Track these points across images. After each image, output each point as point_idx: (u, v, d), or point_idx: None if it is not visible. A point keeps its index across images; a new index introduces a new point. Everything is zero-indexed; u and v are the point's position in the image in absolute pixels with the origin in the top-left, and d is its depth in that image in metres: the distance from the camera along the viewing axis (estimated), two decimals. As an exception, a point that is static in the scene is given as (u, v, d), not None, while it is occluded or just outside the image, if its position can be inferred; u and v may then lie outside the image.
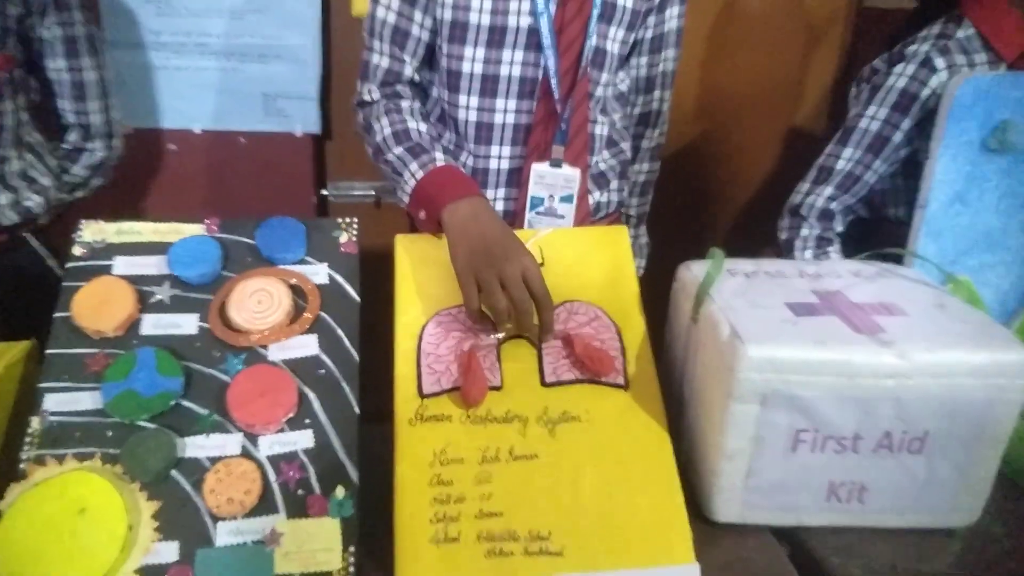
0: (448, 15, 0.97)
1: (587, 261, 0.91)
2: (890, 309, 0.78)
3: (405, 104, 1.02)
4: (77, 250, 0.85)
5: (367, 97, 1.04)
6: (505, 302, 0.80)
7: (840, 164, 1.18)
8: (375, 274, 0.95)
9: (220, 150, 1.49)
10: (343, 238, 0.90)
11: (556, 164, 1.00)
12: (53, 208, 1.18)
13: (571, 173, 1.00)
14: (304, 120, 1.48)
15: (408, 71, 1.03)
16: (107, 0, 1.36)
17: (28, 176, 1.13)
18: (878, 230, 1.25)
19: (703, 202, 1.85)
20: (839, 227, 1.21)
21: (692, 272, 0.87)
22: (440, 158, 0.95)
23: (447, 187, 0.91)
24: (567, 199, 1.01)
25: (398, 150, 0.97)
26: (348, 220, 0.92)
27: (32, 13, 1.09)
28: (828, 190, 1.19)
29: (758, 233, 1.86)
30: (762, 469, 0.74)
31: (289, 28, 1.41)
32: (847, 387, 0.70)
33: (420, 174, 0.94)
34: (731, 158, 1.80)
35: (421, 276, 0.90)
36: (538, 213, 1.02)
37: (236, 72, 1.43)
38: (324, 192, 1.59)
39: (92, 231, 0.87)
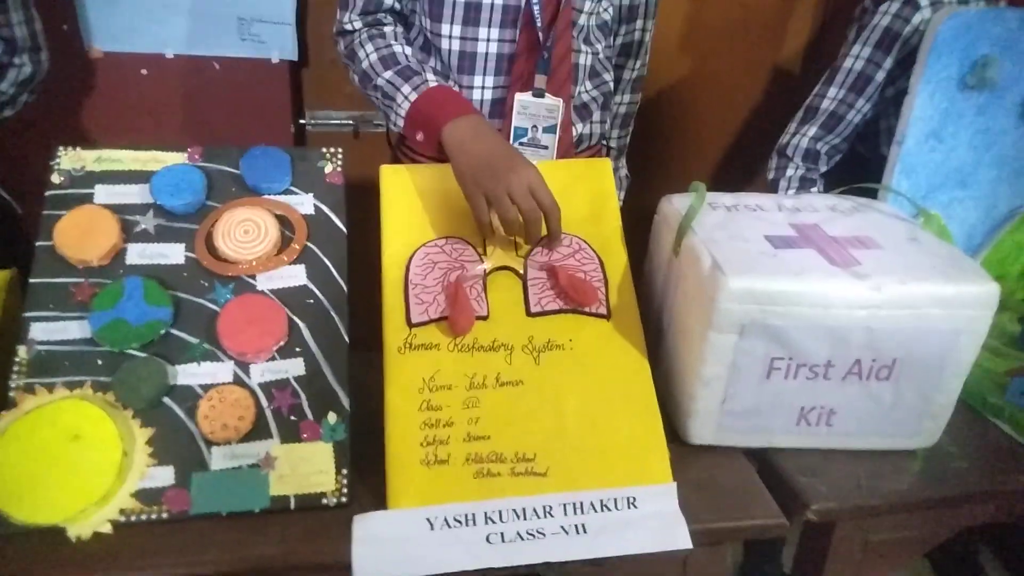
0: None
1: (571, 193, 0.92)
2: (865, 243, 0.81)
3: (388, 30, 1.00)
4: (56, 178, 0.84)
5: (348, 26, 1.02)
6: (515, 212, 0.81)
7: (824, 104, 1.19)
8: (354, 204, 0.95)
9: (193, 76, 1.45)
10: (328, 168, 0.90)
11: (539, 94, 1.00)
12: None
13: (553, 103, 1.00)
14: (280, 46, 1.44)
15: (390, 29, 1.01)
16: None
17: None
18: (872, 168, 1.27)
19: (683, 135, 1.85)
20: (823, 167, 1.22)
21: (674, 205, 0.88)
22: (432, 79, 0.95)
23: (444, 106, 0.90)
24: (550, 130, 1.01)
25: (387, 74, 0.96)
26: (333, 150, 0.91)
27: None
28: (812, 130, 1.20)
29: (738, 166, 1.88)
30: (737, 395, 0.77)
31: (263, -52, 1.36)
32: (822, 317, 0.73)
33: (414, 96, 0.94)
34: (713, 91, 1.80)
35: (406, 207, 0.90)
36: (521, 144, 1.02)
37: (209, -6, 1.38)
38: (302, 121, 1.56)
39: (71, 159, 0.85)
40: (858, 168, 1.27)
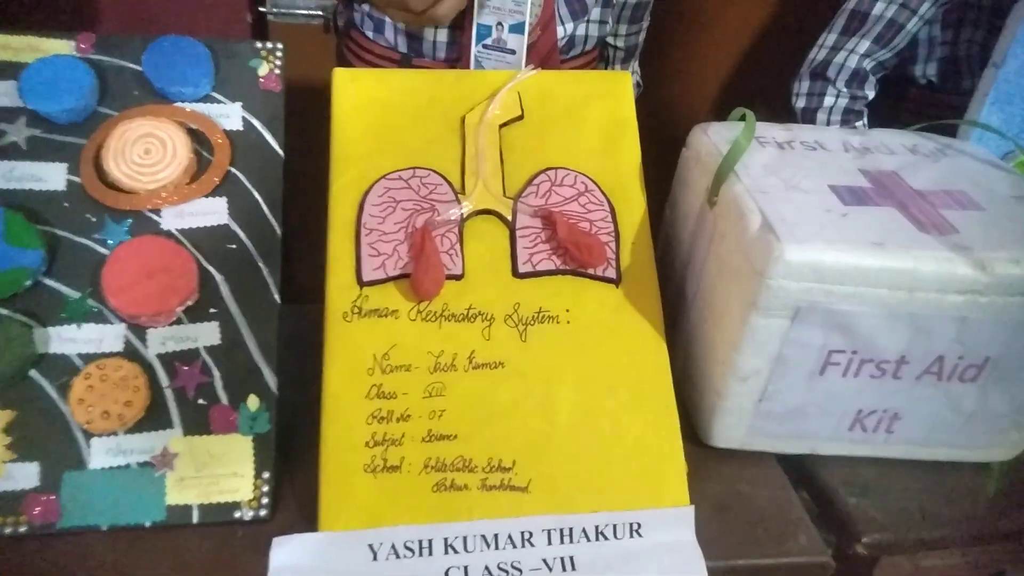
0: None
1: (578, 116, 0.72)
2: (960, 201, 0.62)
3: None
4: None
5: None
6: None
7: (879, 7, 0.94)
8: (313, 117, 0.74)
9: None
10: (263, 69, 0.69)
11: None
12: None
13: None
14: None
15: None
16: None
17: None
18: (894, 94, 1.05)
19: (705, 40, 1.59)
20: (870, 93, 1.00)
21: (710, 137, 0.68)
22: None
23: None
24: (517, 28, 0.78)
25: None
26: (270, 46, 0.70)
27: None
28: (863, 44, 0.96)
29: (768, 82, 1.63)
30: (779, 393, 0.60)
31: None
32: (904, 303, 0.55)
33: None
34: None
35: (364, 124, 0.70)
36: (485, 47, 0.79)
37: None
38: (261, 8, 1.32)
39: (-86, 43, 0.64)
40: (890, 91, 1.05)
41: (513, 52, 0.79)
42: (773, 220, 0.56)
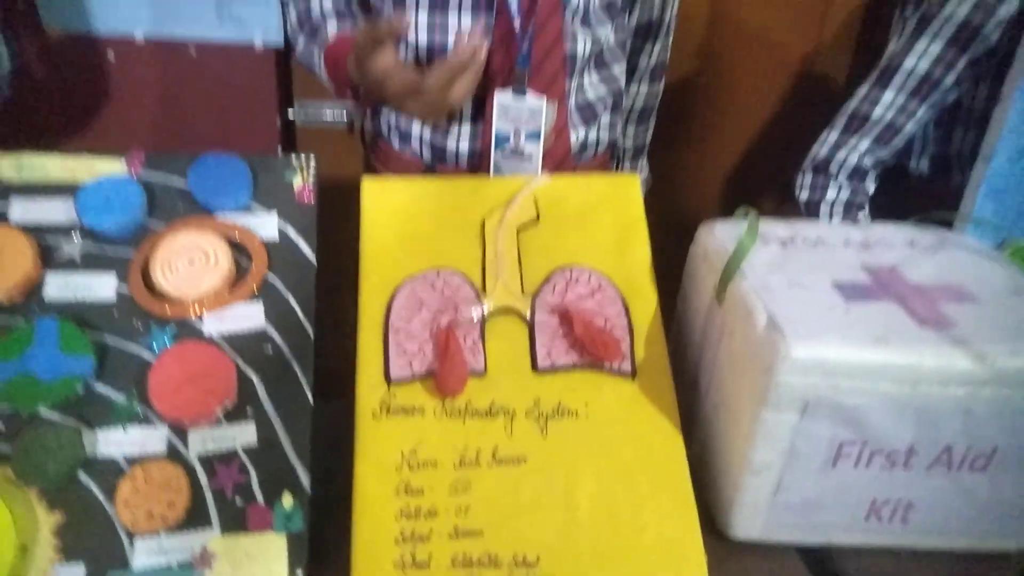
0: None
1: (591, 217, 0.76)
2: (958, 294, 0.65)
3: None
4: (-37, 190, 0.69)
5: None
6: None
7: (878, 111, 0.99)
8: (343, 212, 0.79)
9: (167, 62, 1.29)
10: (297, 182, 0.74)
11: (520, 92, 0.83)
12: None
13: (536, 103, 0.82)
14: (264, 28, 1.27)
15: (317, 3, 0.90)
16: None
17: None
18: (892, 185, 1.09)
19: (709, 140, 1.67)
20: (870, 188, 1.04)
21: (716, 237, 0.72)
22: (331, 31, 0.86)
23: (342, 59, 0.82)
24: (534, 136, 0.84)
25: (302, 42, 0.90)
26: (304, 157, 0.75)
27: None
28: (863, 143, 1.01)
29: (772, 173, 1.70)
30: (793, 485, 0.62)
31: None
32: (908, 396, 0.57)
33: (320, 57, 0.86)
34: (743, 88, 1.62)
35: (391, 231, 0.75)
36: (503, 153, 0.85)
37: (183, -32, 1.22)
38: (290, 114, 1.41)
39: (-17, 166, 0.70)
40: (888, 182, 1.10)
41: (530, 158, 0.84)
42: (778, 318, 0.59)
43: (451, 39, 0.83)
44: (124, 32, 1.26)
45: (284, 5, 0.93)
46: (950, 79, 0.96)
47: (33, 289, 0.65)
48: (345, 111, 1.40)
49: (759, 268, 0.67)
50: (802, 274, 0.66)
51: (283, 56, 1.34)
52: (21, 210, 0.68)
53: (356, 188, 0.77)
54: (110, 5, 1.23)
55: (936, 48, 0.95)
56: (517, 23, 0.80)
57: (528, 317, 0.70)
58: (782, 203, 1.64)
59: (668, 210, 1.39)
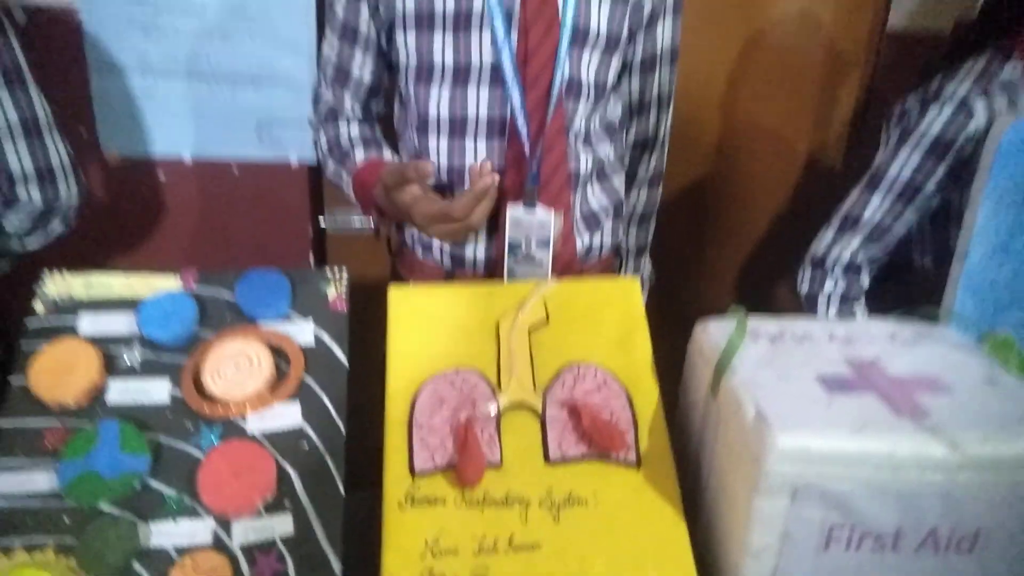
0: (412, 59, 0.91)
1: (595, 318, 0.83)
2: (933, 385, 0.70)
3: (342, 115, 1.03)
4: (39, 306, 0.78)
5: (312, 119, 1.07)
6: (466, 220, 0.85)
7: (868, 213, 1.09)
8: (374, 309, 0.88)
9: (212, 180, 1.42)
10: (331, 292, 0.83)
11: (530, 206, 0.92)
12: None
13: (545, 216, 0.92)
14: (299, 147, 1.41)
15: (348, 107, 1.03)
16: (91, 23, 1.29)
17: None
18: (900, 279, 1.17)
19: (714, 235, 1.76)
20: (865, 282, 1.13)
21: (710, 334, 0.79)
22: (360, 157, 0.98)
23: (369, 183, 0.94)
24: (543, 244, 0.93)
25: (331, 165, 1.02)
26: (337, 270, 0.84)
27: None
28: (855, 241, 1.11)
29: (772, 267, 1.78)
30: (791, 567, 0.66)
31: (283, 50, 1.34)
32: (889, 481, 0.62)
33: (350, 182, 0.98)
34: (746, 189, 1.72)
35: (415, 334, 0.82)
36: (515, 259, 0.94)
37: (228, 97, 1.36)
38: (321, 222, 1.52)
39: (56, 285, 0.80)
40: (885, 278, 1.17)
41: (540, 264, 0.93)
42: (766, 411, 0.65)
43: (468, 161, 0.94)
44: (174, 154, 1.40)
45: (315, 130, 1.05)
46: (931, 186, 1.05)
47: (98, 394, 0.74)
48: (372, 219, 1.51)
49: (749, 363, 0.73)
50: (789, 368, 0.72)
51: (315, 171, 1.47)
52: (89, 323, 0.77)
53: (381, 288, 0.86)
54: (163, 130, 1.37)
55: (916, 158, 1.05)
56: (527, 146, 0.91)
57: (540, 411, 0.76)
58: (777, 299, 1.72)
59: (674, 304, 1.47)
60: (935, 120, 1.03)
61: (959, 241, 0.92)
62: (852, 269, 1.12)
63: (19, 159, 1.01)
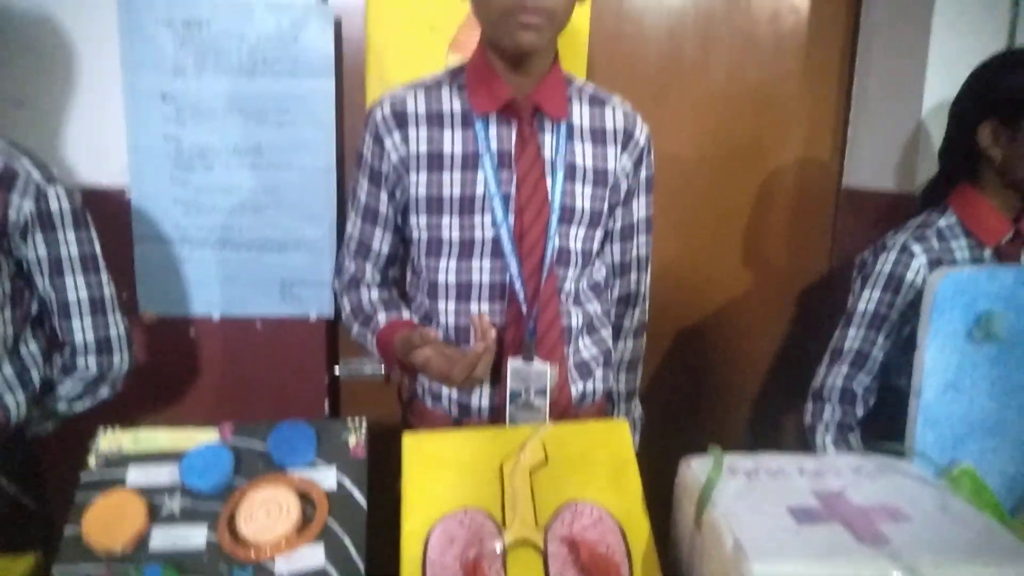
0: (424, 235, 1.07)
1: (589, 459, 0.92)
2: (893, 513, 0.79)
3: (363, 282, 1.17)
4: (92, 461, 0.87)
5: (337, 286, 1.20)
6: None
7: (847, 344, 1.27)
8: (386, 450, 0.97)
9: (237, 334, 1.55)
10: (352, 440, 0.93)
11: (528, 359, 1.04)
12: (36, 426, 1.17)
13: (542, 368, 1.04)
14: (318, 305, 1.55)
15: (369, 275, 1.17)
16: (138, 199, 1.47)
17: None
18: (886, 400, 1.27)
19: (699, 377, 1.87)
20: (859, 410, 1.26)
21: (693, 471, 0.88)
22: (381, 320, 1.10)
23: (391, 344, 1.06)
24: (541, 392, 1.04)
25: (356, 327, 1.14)
26: (357, 420, 0.94)
27: (10, 235, 1.07)
28: (844, 369, 1.27)
29: (755, 406, 1.89)
30: None
31: (307, 221, 1.51)
32: (856, 604, 0.69)
33: (373, 341, 1.10)
34: (726, 336, 1.85)
35: (427, 477, 0.91)
36: (517, 406, 1.05)
37: (256, 261, 1.52)
38: (336, 371, 1.64)
39: (108, 441, 0.89)
40: (896, 402, 1.28)
41: (539, 410, 1.03)
42: (742, 541, 0.73)
43: (472, 339, 1.07)
44: (204, 313, 1.53)
45: (337, 296, 1.19)
46: (894, 315, 1.23)
47: (142, 541, 0.81)
48: (382, 367, 1.63)
49: (728, 497, 0.81)
50: (763, 501, 0.81)
51: (331, 324, 1.61)
52: (136, 475, 0.87)
53: (390, 427, 0.96)
54: (196, 292, 1.52)
55: (876, 294, 1.24)
56: (524, 307, 1.04)
57: (542, 547, 0.84)
58: (756, 436, 1.81)
59: (662, 445, 1.56)
60: (885, 262, 1.24)
61: (913, 380, 1.02)
62: (847, 398, 1.26)
63: (83, 333, 1.14)
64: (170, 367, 1.55)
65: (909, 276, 1.21)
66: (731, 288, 1.83)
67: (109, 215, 1.37)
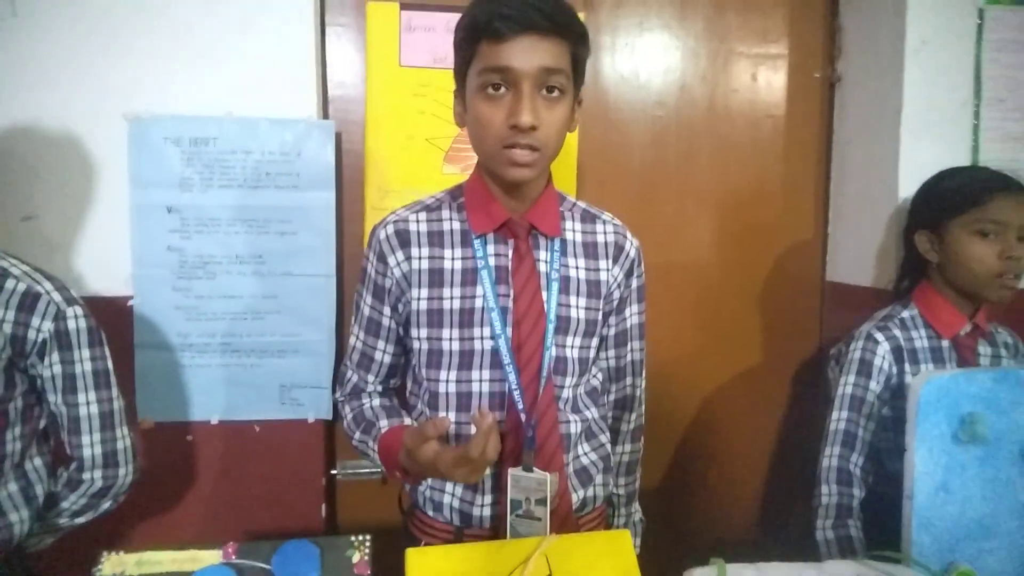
0: (425, 346, 1.11)
1: (593, 570, 0.93)
2: (894, 626, 0.80)
3: (364, 393, 1.19)
4: (96, 587, 0.87)
5: (339, 396, 1.23)
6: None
7: (835, 426, 1.37)
8: (381, 551, 0.96)
9: (235, 438, 1.55)
10: (356, 557, 0.93)
11: (528, 468, 1.06)
12: (35, 541, 1.18)
13: (541, 477, 1.04)
14: (316, 408, 1.56)
15: (371, 386, 1.20)
16: (141, 307, 1.50)
17: None
18: (886, 489, 1.30)
19: (699, 473, 1.88)
20: (857, 490, 1.34)
21: (696, 583, 0.89)
22: (384, 425, 1.11)
23: (394, 449, 1.07)
24: (542, 502, 1.05)
25: (358, 435, 1.15)
26: (361, 538, 0.95)
27: (28, 355, 1.11)
28: (836, 449, 1.35)
29: (757, 497, 1.89)
30: None
31: (306, 326, 1.54)
32: None
33: (375, 447, 1.11)
34: (723, 431, 1.88)
35: (431, 594, 0.91)
36: (518, 516, 1.06)
37: (256, 367, 1.53)
38: (334, 472, 1.64)
39: (112, 564, 0.90)
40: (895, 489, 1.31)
41: (539, 519, 1.04)
42: (748, 660, 0.74)
43: (473, 431, 1.08)
44: (203, 418, 1.54)
45: (338, 405, 1.21)
46: (871, 396, 1.34)
47: (145, 671, 0.81)
48: (381, 469, 1.62)
49: (731, 612, 0.82)
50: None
51: (329, 426, 1.61)
52: (139, 600, 0.86)
53: (391, 524, 0.94)
54: (196, 398, 1.53)
55: (852, 378, 1.36)
56: (523, 416, 1.06)
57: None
58: (759, 546, 1.81)
59: (665, 546, 1.56)
60: (855, 350, 1.38)
61: (904, 484, 1.04)
62: (843, 478, 1.33)
63: (92, 448, 1.15)
64: (167, 470, 1.54)
65: (877, 361, 1.35)
66: (724, 383, 1.86)
67: (112, 323, 1.39)
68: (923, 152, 1.56)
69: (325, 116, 1.62)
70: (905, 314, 1.39)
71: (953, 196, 1.34)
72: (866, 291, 1.68)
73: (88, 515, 1.18)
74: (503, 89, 0.99)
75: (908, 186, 1.54)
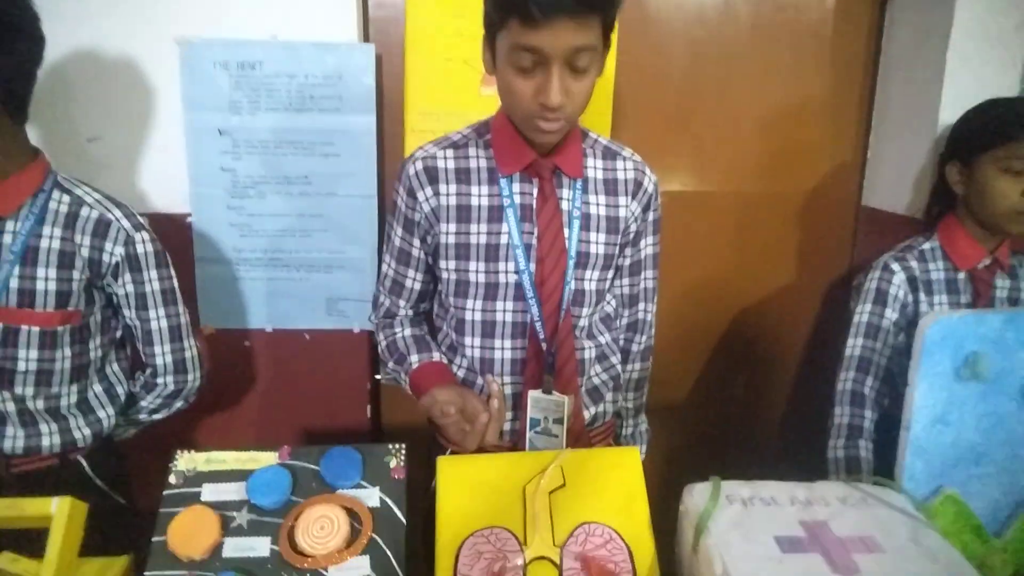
0: (453, 276, 1.19)
1: (602, 482, 1.04)
2: (868, 544, 0.89)
3: (397, 320, 1.29)
4: (172, 479, 1.02)
5: (373, 318, 1.33)
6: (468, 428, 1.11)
7: (850, 351, 1.42)
8: (420, 454, 1.10)
9: (287, 345, 1.69)
10: (392, 463, 1.05)
11: (547, 391, 1.16)
12: (121, 432, 1.36)
13: (560, 399, 1.15)
14: (360, 319, 1.68)
15: (402, 311, 1.29)
16: (199, 224, 1.61)
17: (87, 406, 1.26)
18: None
19: (728, 389, 1.97)
20: (868, 412, 1.40)
21: (694, 498, 0.98)
22: (414, 360, 1.21)
23: (421, 384, 1.19)
24: (559, 421, 1.16)
25: (391, 364, 1.26)
26: (397, 446, 1.07)
27: (104, 275, 1.22)
28: (851, 374, 1.42)
29: (780, 415, 1.97)
30: None
31: (350, 243, 1.64)
32: (827, 627, 0.80)
33: (407, 379, 1.22)
34: (752, 351, 1.94)
35: (460, 496, 1.03)
36: (536, 432, 1.17)
37: (304, 280, 1.65)
38: (377, 377, 1.78)
39: (185, 462, 1.04)
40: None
41: (556, 436, 1.15)
42: (730, 568, 0.84)
43: (496, 357, 1.18)
44: (258, 326, 1.68)
45: (375, 330, 1.31)
46: (886, 323, 1.39)
47: (217, 550, 0.96)
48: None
49: (722, 525, 0.92)
50: (754, 530, 0.91)
51: (372, 335, 1.74)
52: (209, 492, 1.01)
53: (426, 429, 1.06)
54: (250, 307, 1.66)
55: (868, 306, 1.41)
56: (544, 345, 1.15)
57: (558, 563, 0.96)
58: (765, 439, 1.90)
59: (669, 460, 1.67)
60: (871, 279, 1.43)
61: (903, 416, 1.10)
62: (856, 400, 1.41)
63: (163, 357, 1.30)
64: (229, 374, 1.70)
65: (892, 290, 1.40)
66: (755, 304, 1.91)
67: (173, 238, 1.51)
68: (968, 77, 1.52)
69: (366, 38, 1.64)
70: (926, 245, 1.42)
71: (985, 129, 1.33)
72: (900, 219, 1.68)
73: (163, 412, 1.35)
74: (532, 65, 1.00)
75: (951, 113, 1.51)
